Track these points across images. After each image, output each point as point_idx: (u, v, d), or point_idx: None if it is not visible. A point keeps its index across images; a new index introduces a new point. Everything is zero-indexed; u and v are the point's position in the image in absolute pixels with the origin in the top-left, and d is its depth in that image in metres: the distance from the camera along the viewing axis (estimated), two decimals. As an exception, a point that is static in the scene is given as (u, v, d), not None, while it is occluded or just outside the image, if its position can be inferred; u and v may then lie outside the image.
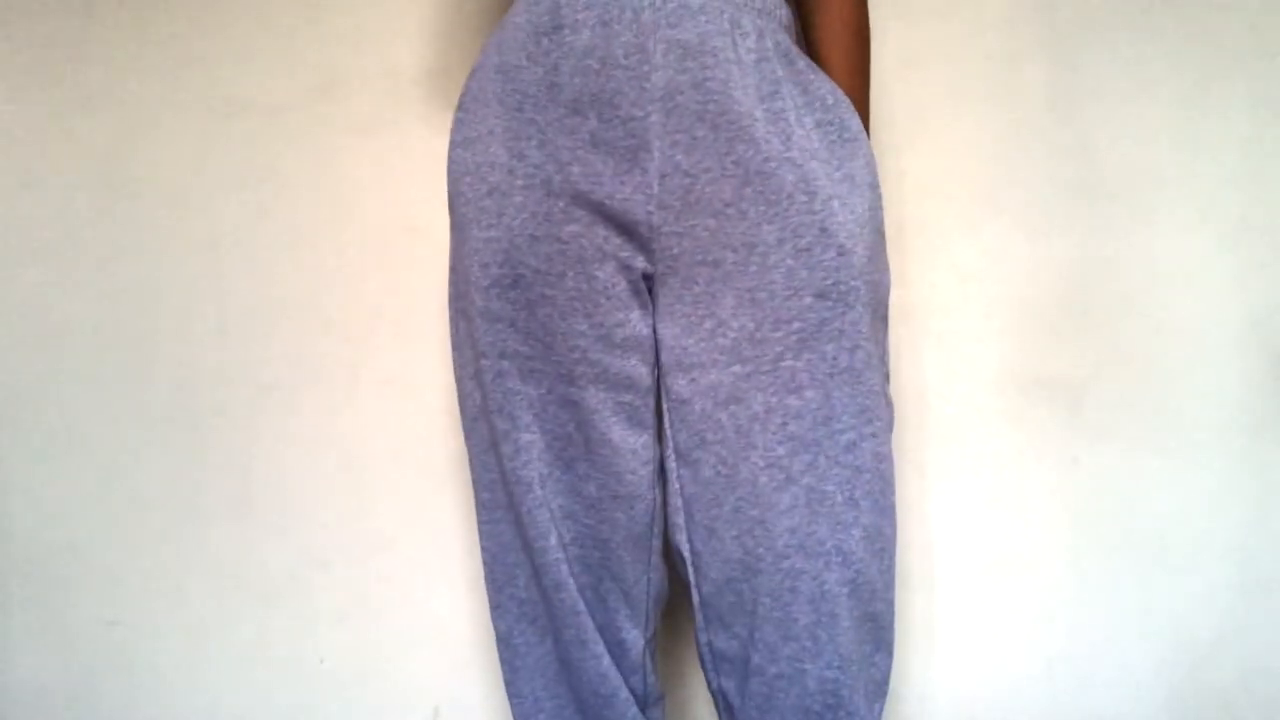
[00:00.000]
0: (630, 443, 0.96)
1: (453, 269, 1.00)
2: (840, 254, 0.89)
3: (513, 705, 1.03)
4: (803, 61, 0.94)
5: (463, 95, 0.99)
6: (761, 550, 0.92)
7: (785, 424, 0.90)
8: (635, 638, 1.01)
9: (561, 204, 0.91)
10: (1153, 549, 1.24)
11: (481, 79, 0.96)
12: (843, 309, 0.90)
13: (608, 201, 0.91)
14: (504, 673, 1.03)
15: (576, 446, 0.96)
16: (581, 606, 0.98)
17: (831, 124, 0.93)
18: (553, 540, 0.97)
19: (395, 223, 1.29)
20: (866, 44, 1.02)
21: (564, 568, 0.97)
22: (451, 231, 0.99)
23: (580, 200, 0.91)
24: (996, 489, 1.25)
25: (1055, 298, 1.25)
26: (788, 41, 0.94)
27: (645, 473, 0.97)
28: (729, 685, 0.98)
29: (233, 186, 1.30)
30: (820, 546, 0.91)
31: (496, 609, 1.03)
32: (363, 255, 1.29)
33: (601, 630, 0.99)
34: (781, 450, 0.91)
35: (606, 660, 0.99)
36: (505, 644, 1.03)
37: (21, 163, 1.32)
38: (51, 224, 1.32)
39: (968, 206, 1.25)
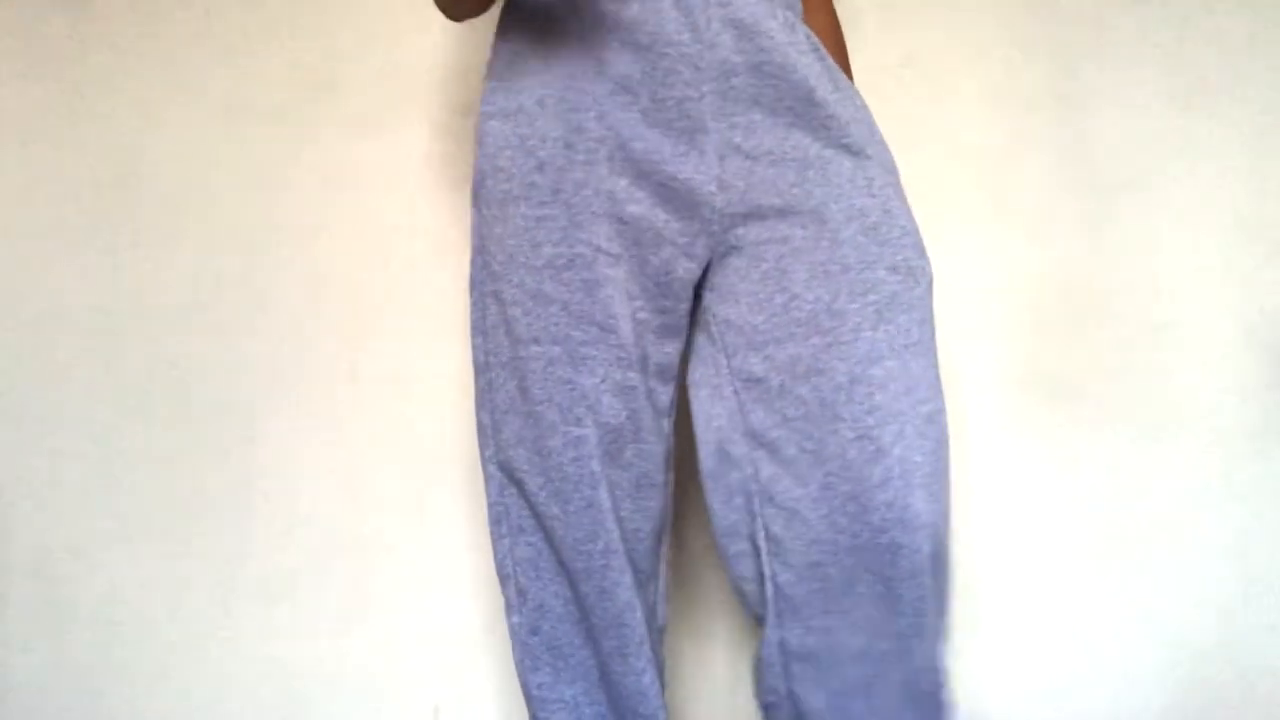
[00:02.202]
0: (664, 429, 0.95)
1: (481, 250, 0.94)
2: (904, 234, 0.91)
3: (549, 711, 0.97)
4: (830, 58, 0.94)
5: (493, 62, 0.94)
6: (858, 527, 0.88)
7: (871, 394, 0.87)
8: (657, 645, 0.98)
9: (624, 182, 0.88)
10: (1153, 549, 1.24)
11: (517, 44, 0.92)
12: (912, 283, 0.90)
13: (671, 182, 0.88)
14: (541, 677, 0.97)
15: (626, 437, 0.92)
16: (626, 617, 0.92)
17: (865, 121, 0.94)
18: (600, 544, 0.91)
19: (395, 223, 1.29)
20: (844, 44, 1.06)
21: (610, 575, 0.92)
22: (481, 209, 0.93)
23: (643, 179, 0.88)
24: (996, 489, 1.25)
25: (1055, 298, 1.25)
26: (814, 36, 0.94)
27: (667, 460, 0.96)
28: (804, 687, 0.93)
29: (233, 186, 1.30)
30: (917, 519, 0.87)
31: (538, 609, 0.96)
32: (363, 255, 1.29)
33: (644, 643, 0.94)
34: (871, 420, 0.87)
35: (647, 677, 0.93)
36: (548, 646, 0.96)
37: (22, 162, 1.32)
38: (52, 224, 1.32)
39: (968, 206, 1.25)
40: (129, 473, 1.31)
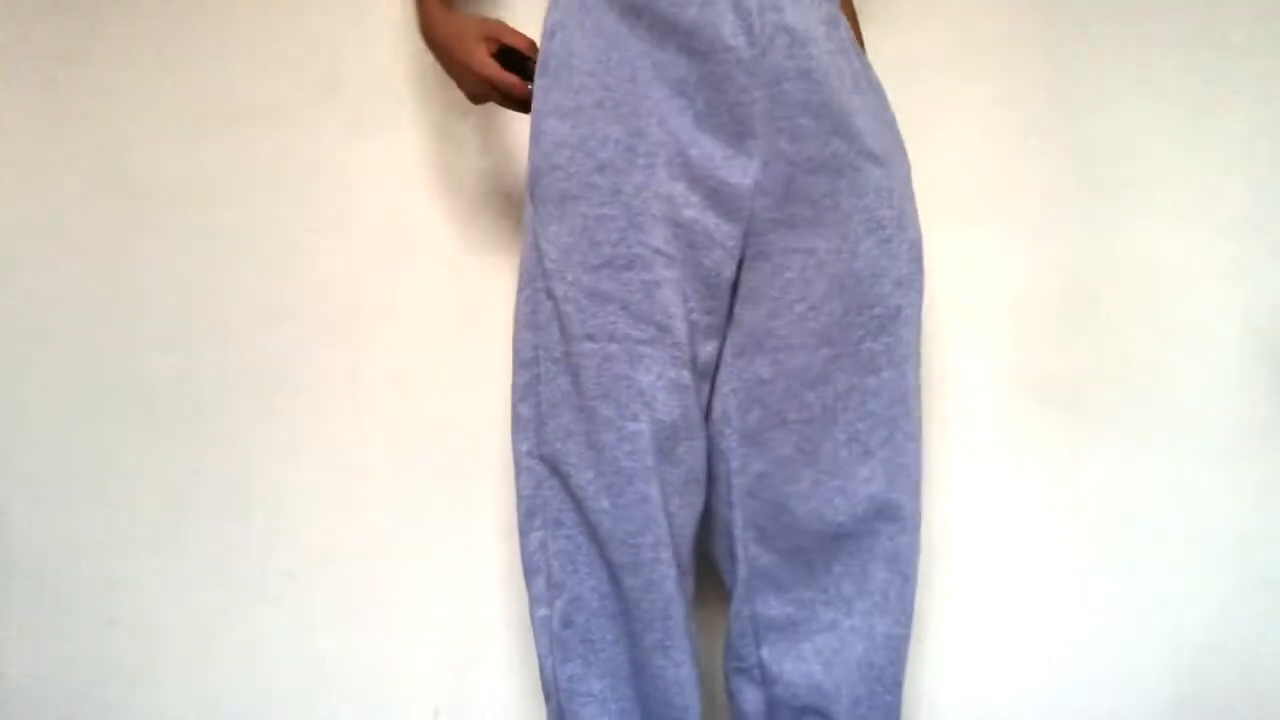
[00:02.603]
0: (703, 426, 0.98)
1: (534, 245, 0.95)
2: (911, 246, 0.97)
3: (577, 704, 0.98)
4: (862, 55, 0.98)
5: (544, 59, 0.95)
6: (843, 518, 0.96)
7: (865, 402, 0.95)
8: (695, 637, 1.01)
9: (681, 186, 0.91)
10: (1153, 549, 1.24)
11: (571, 43, 0.93)
12: (913, 295, 0.97)
13: (721, 187, 0.91)
14: (571, 669, 0.98)
15: (679, 434, 0.95)
16: (671, 610, 0.95)
17: (889, 123, 0.98)
18: (649, 538, 0.93)
19: (395, 223, 1.29)
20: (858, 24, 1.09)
21: (659, 568, 0.94)
22: (537, 206, 0.95)
23: (697, 184, 0.91)
24: (996, 489, 1.25)
25: (1055, 298, 1.25)
26: (849, 31, 0.97)
27: (705, 456, 0.99)
28: (773, 654, 0.99)
29: (233, 186, 1.30)
30: (899, 511, 0.96)
31: (574, 601, 0.97)
32: (363, 255, 1.29)
33: (687, 637, 0.97)
34: (862, 426, 0.95)
35: (685, 670, 0.96)
36: (582, 639, 0.97)
37: (21, 163, 1.32)
38: (51, 224, 1.32)
39: (968, 206, 1.25)
40: (129, 473, 1.31)
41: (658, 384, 0.93)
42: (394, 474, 1.29)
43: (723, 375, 0.98)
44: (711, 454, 0.99)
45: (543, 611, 0.99)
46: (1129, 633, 1.24)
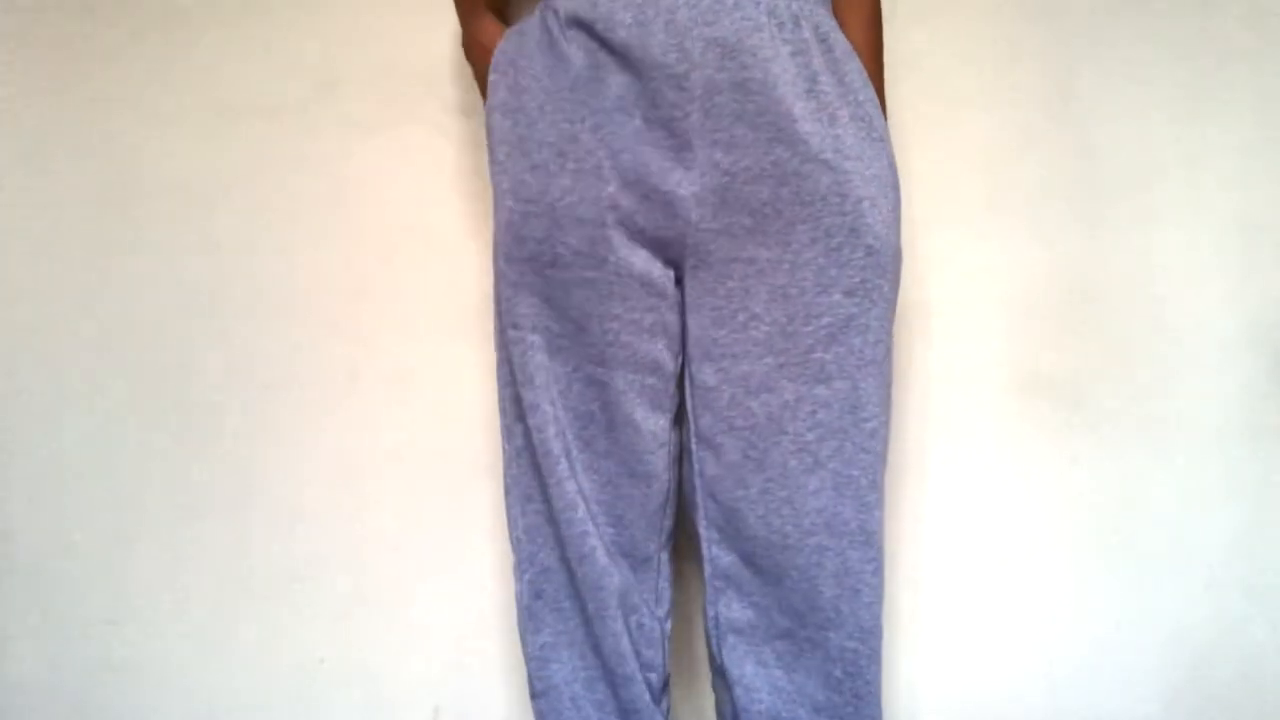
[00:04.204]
0: (650, 424, 1.00)
1: (495, 232, 1.01)
2: (868, 254, 0.93)
3: (548, 670, 1.04)
4: (840, 48, 0.95)
5: (498, 56, 0.99)
6: (789, 528, 0.96)
7: (814, 412, 0.95)
8: (649, 616, 1.03)
9: (610, 189, 0.93)
10: (1153, 549, 1.24)
11: (524, 45, 0.97)
12: (869, 305, 0.94)
13: (653, 195, 0.93)
14: (544, 637, 1.04)
15: (598, 425, 0.99)
16: (604, 581, 0.99)
17: (863, 120, 0.94)
18: (579, 513, 0.99)
19: (395, 223, 1.29)
20: (880, 22, 1.05)
21: (589, 541, 0.99)
22: (494, 195, 1.00)
23: (629, 189, 0.93)
24: (996, 489, 1.25)
25: (1055, 298, 1.25)
26: (827, 23, 0.95)
27: (662, 454, 1.01)
28: (733, 658, 1.01)
29: (233, 186, 1.30)
30: (845, 526, 0.96)
31: (543, 572, 1.03)
32: (363, 255, 1.29)
33: (621, 608, 1.01)
34: (811, 436, 0.95)
35: (625, 640, 1.01)
36: (552, 609, 1.04)
37: (22, 162, 1.32)
38: (51, 223, 1.32)
39: (968, 206, 1.25)
40: (129, 473, 1.31)
41: (574, 375, 0.98)
42: (394, 474, 1.29)
43: (685, 379, 1.00)
44: (682, 454, 1.03)
45: (518, 585, 1.05)
46: (1129, 633, 1.24)
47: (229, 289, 1.30)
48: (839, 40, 0.95)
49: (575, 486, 0.99)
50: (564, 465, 0.99)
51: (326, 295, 1.30)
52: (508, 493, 1.05)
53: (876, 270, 0.94)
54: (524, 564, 1.04)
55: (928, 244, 1.25)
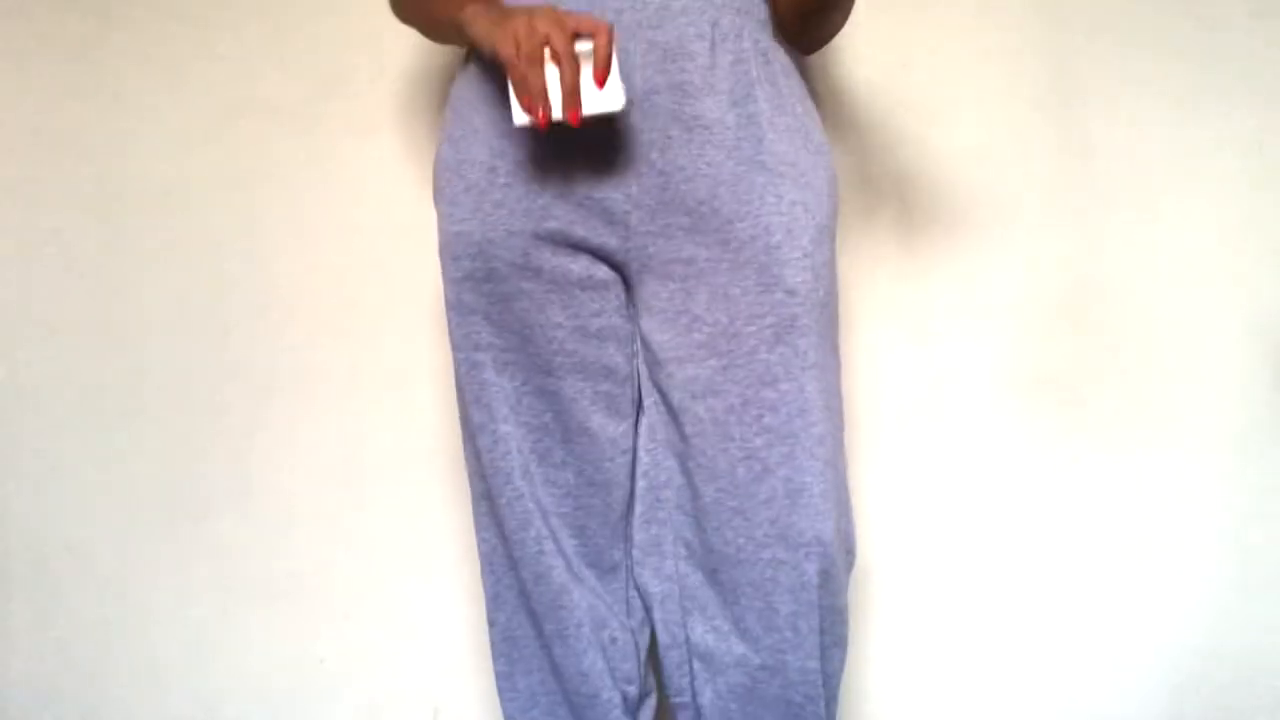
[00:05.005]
0: (609, 431, 0.98)
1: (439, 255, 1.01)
2: (805, 255, 0.91)
3: (505, 701, 1.02)
4: (780, 63, 0.96)
5: (451, 95, 0.99)
6: (742, 540, 0.93)
7: (761, 416, 0.92)
8: (621, 629, 1.01)
9: (542, 201, 0.92)
10: (1153, 549, 1.24)
11: (467, 80, 0.97)
12: (812, 305, 0.92)
13: (587, 200, 0.92)
14: (499, 666, 1.03)
15: (553, 436, 0.97)
16: (563, 600, 0.97)
17: (800, 131, 0.94)
18: (532, 532, 0.97)
19: (395, 223, 1.29)
20: None
21: (544, 559, 0.97)
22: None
23: (562, 196, 0.92)
24: (997, 488, 1.25)
25: (1055, 298, 1.25)
26: (767, 40, 0.96)
27: (623, 461, 0.99)
28: (699, 684, 0.98)
29: (233, 186, 1.30)
30: (800, 537, 0.91)
31: (496, 599, 1.02)
32: (363, 255, 1.29)
33: (584, 625, 0.98)
34: (759, 442, 0.92)
35: (588, 659, 0.98)
36: (506, 637, 1.02)
37: (21, 163, 1.32)
38: (51, 222, 1.32)
39: (967, 207, 1.25)
40: (129, 472, 1.31)
41: (524, 389, 0.96)
42: (394, 474, 1.29)
43: (644, 388, 0.99)
44: (639, 468, 1.00)
45: (488, 609, 1.04)
46: (1129, 633, 1.24)
47: (229, 288, 1.31)
48: (779, 56, 0.96)
49: (531, 504, 0.96)
50: (516, 483, 0.96)
51: (326, 295, 1.30)
52: (475, 521, 1.03)
53: (818, 271, 0.92)
54: (495, 583, 1.02)
55: (927, 244, 1.25)
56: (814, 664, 0.93)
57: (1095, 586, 1.25)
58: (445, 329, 1.26)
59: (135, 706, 1.32)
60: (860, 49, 1.26)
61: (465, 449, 1.02)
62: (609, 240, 0.94)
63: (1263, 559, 1.23)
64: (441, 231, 0.96)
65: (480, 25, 0.85)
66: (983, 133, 1.25)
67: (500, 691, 1.02)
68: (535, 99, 0.80)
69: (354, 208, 1.29)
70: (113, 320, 1.32)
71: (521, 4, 0.88)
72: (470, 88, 0.96)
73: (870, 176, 1.26)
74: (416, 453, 1.29)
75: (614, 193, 0.92)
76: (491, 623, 1.03)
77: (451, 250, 0.95)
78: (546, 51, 0.81)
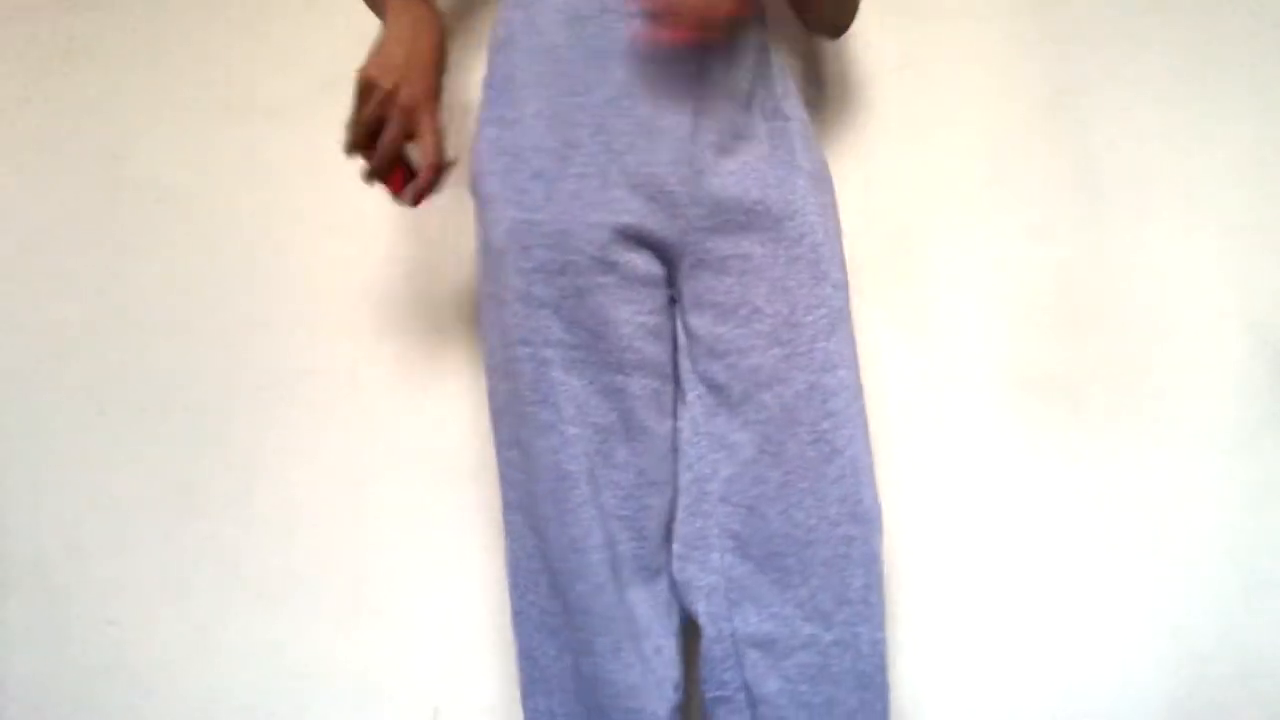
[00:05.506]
0: (663, 428, 0.99)
1: (481, 250, 0.99)
2: (837, 253, 1.00)
3: (528, 717, 1.01)
4: (778, 64, 1.02)
5: (491, 73, 0.98)
6: (814, 521, 0.96)
7: (825, 401, 0.95)
8: (663, 634, 1.00)
9: (617, 193, 0.92)
10: (1153, 548, 1.24)
11: (515, 58, 0.96)
12: (848, 299, 0.99)
13: (659, 195, 0.93)
14: (522, 682, 1.01)
15: (617, 436, 0.96)
16: (620, 612, 0.96)
17: (807, 134, 1.02)
18: (596, 539, 0.95)
19: (396, 223, 1.29)
20: None
21: (606, 569, 0.95)
22: (481, 210, 0.97)
23: (636, 190, 0.93)
24: (996, 488, 1.25)
25: (1055, 298, 1.25)
26: (766, 36, 1.02)
27: (671, 459, 1.00)
28: (756, 674, 0.97)
29: (233, 186, 1.30)
30: (869, 513, 0.97)
31: (518, 615, 1.01)
32: (363, 255, 1.29)
33: (637, 637, 0.97)
34: (826, 425, 0.95)
35: (637, 671, 0.97)
36: (525, 655, 1.01)
37: (21, 163, 1.32)
38: (51, 222, 1.32)
39: (967, 206, 1.25)
40: (129, 473, 1.31)
41: (591, 388, 0.95)
42: (394, 474, 1.29)
43: (685, 383, 0.99)
44: (681, 463, 1.00)
45: (513, 624, 1.02)
46: (1129, 633, 1.24)
47: (229, 288, 1.30)
48: (778, 57, 1.02)
49: (594, 510, 0.95)
50: (582, 488, 0.94)
51: (326, 295, 1.30)
52: (505, 530, 1.01)
53: (846, 267, 1.00)
54: (519, 599, 1.01)
55: (927, 244, 1.25)
56: (881, 634, 0.97)
57: (1094, 586, 1.25)
58: (446, 328, 1.27)
59: (135, 706, 1.32)
60: (860, 49, 1.26)
61: (502, 454, 1.00)
62: (670, 234, 0.95)
63: (1263, 559, 1.23)
64: (500, 220, 0.94)
65: None
66: (983, 133, 1.25)
67: (525, 710, 1.02)
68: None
69: (354, 207, 1.29)
70: (112, 320, 1.31)
71: None
72: (521, 66, 0.96)
73: (870, 176, 1.26)
74: (417, 453, 1.29)
75: (681, 187, 0.93)
76: (515, 639, 1.01)
77: (521, 239, 0.93)
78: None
